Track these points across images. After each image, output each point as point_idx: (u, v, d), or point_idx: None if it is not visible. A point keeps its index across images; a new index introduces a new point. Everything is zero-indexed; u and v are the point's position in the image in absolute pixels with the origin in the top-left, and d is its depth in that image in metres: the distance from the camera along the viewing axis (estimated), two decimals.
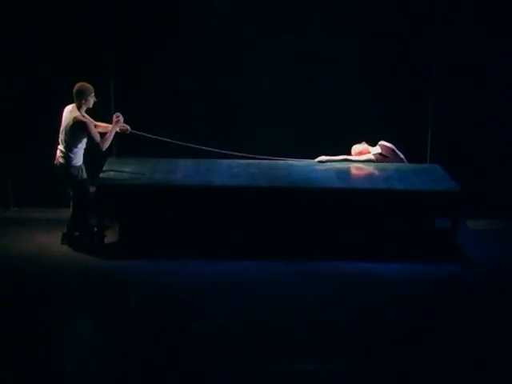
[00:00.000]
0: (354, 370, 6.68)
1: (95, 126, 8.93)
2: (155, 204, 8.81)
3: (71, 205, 8.94)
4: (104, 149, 8.78)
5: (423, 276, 8.45)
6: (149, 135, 9.21)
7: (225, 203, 8.76)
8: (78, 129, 8.66)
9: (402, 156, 9.61)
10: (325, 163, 9.53)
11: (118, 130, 9.01)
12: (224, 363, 6.68)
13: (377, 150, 9.60)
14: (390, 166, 9.48)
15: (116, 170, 9.12)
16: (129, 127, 9.08)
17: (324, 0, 9.73)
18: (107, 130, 8.91)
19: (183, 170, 9.26)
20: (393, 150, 9.59)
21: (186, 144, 9.40)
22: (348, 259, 8.73)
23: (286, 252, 8.83)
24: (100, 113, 9.02)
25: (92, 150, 8.84)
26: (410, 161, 9.65)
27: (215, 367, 6.63)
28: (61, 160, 8.80)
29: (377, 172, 9.33)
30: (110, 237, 9.10)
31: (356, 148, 9.67)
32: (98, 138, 8.70)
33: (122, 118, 8.91)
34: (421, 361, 6.81)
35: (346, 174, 9.37)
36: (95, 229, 8.91)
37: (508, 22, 9.76)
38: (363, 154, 9.62)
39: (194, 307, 7.65)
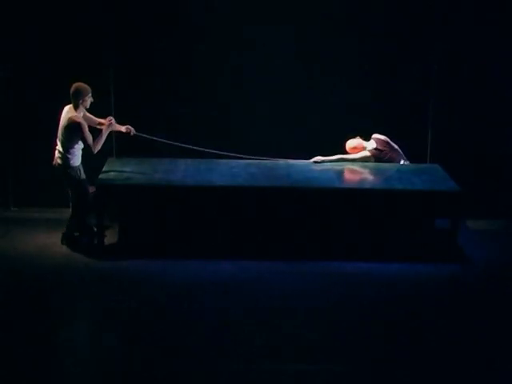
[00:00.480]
0: (353, 369, 6.68)
1: (99, 123, 8.96)
2: (155, 204, 8.81)
3: (71, 205, 8.95)
4: (96, 151, 8.75)
5: (423, 276, 8.44)
6: (152, 137, 9.22)
7: (225, 203, 8.76)
8: (72, 129, 8.65)
9: (396, 147, 9.59)
10: (322, 163, 9.52)
11: (123, 131, 9.06)
12: (224, 363, 6.68)
13: (372, 144, 9.58)
14: (390, 166, 9.48)
15: (116, 170, 9.12)
16: (133, 129, 9.11)
17: (324, 0, 9.73)
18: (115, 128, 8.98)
19: (183, 170, 9.26)
20: (387, 143, 9.57)
21: (186, 146, 9.40)
22: (348, 259, 8.73)
23: (286, 252, 8.83)
24: (100, 113, 9.01)
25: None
26: (410, 161, 9.65)
27: (215, 367, 6.63)
28: (59, 161, 8.80)
29: (377, 172, 9.33)
30: (110, 237, 9.10)
31: (350, 143, 9.63)
32: (90, 140, 8.68)
33: (114, 121, 8.92)
34: (421, 361, 6.81)
35: (346, 174, 9.37)
36: (95, 229, 8.92)
37: (508, 22, 9.76)
38: (358, 149, 9.59)
39: (194, 307, 7.65)
